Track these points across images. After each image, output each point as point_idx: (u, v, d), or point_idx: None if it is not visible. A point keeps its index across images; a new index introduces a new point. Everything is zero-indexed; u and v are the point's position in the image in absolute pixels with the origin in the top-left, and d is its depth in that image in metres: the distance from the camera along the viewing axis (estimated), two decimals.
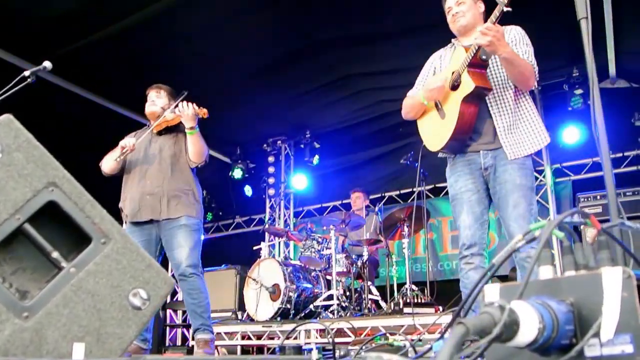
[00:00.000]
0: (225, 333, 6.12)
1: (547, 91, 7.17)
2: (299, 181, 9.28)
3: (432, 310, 5.25)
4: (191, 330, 4.18)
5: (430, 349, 1.61)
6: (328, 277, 6.31)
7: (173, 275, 3.91)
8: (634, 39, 5.90)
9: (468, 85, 3.17)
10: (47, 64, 3.35)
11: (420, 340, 2.53)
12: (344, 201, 9.02)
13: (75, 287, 1.73)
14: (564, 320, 1.09)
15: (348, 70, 6.76)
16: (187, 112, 4.08)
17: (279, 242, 8.94)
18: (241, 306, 6.82)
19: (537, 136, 3.26)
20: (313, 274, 6.44)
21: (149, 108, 4.40)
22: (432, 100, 3.43)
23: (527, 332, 1.04)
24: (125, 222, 4.16)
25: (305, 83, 7.06)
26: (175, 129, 4.35)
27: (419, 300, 5.48)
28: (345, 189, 8.32)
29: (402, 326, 4.98)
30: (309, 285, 6.24)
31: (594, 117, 2.27)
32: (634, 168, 6.83)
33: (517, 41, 3.27)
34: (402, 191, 8.74)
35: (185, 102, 4.12)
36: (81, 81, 6.58)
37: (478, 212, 3.32)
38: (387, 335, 2.49)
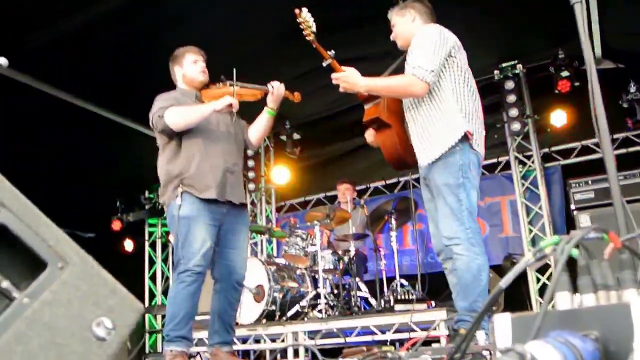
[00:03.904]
0: (208, 338, 5.92)
1: (533, 73, 7.00)
2: (280, 174, 8.95)
3: (424, 306, 5.08)
4: (211, 343, 3.96)
5: None
6: (314, 275, 6.12)
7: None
8: (619, 18, 5.76)
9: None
10: (3, 60, 3.01)
11: (416, 350, 2.38)
12: (328, 194, 8.81)
13: (30, 319, 1.54)
14: None
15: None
16: (281, 92, 3.90)
17: (262, 240, 8.67)
18: None
19: (448, 130, 3.19)
20: (298, 272, 6.25)
21: (203, 76, 3.91)
22: None
23: None
24: (178, 195, 3.51)
25: (285, 71, 6.80)
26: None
27: (410, 296, 5.30)
28: (329, 181, 8.11)
29: (394, 324, 4.82)
30: (295, 285, 6.05)
31: (593, 102, 2.21)
32: (623, 150, 6.66)
33: (410, 52, 3.31)
34: (388, 181, 8.55)
35: (277, 82, 3.90)
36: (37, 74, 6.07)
37: (437, 219, 3.33)
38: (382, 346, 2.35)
